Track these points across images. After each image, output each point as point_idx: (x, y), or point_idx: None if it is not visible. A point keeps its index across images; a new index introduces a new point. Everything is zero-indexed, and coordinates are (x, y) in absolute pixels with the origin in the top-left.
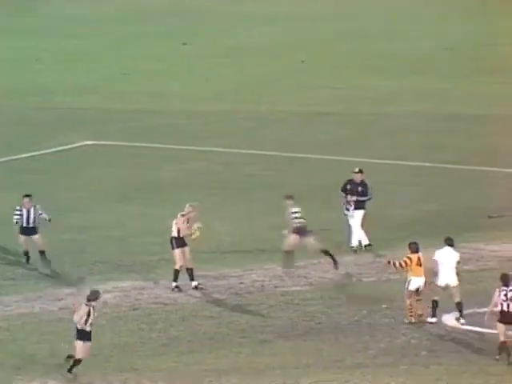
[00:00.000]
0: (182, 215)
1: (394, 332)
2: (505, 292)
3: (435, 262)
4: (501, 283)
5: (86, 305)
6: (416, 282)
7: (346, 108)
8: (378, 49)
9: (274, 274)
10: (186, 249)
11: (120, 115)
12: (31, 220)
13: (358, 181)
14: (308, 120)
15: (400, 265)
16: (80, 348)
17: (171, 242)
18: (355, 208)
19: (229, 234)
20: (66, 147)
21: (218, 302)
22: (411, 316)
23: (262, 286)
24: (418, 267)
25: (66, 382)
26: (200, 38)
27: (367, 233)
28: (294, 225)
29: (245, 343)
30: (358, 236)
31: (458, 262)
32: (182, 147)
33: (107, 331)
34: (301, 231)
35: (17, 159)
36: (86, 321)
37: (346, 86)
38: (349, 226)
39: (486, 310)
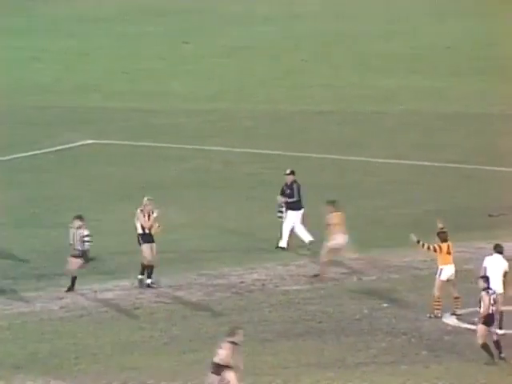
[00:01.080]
0: (141, 210)
1: (394, 331)
2: (493, 296)
3: (483, 268)
4: (485, 285)
5: None
6: (448, 270)
7: (345, 107)
8: (377, 48)
9: (275, 272)
10: (153, 245)
11: (121, 114)
12: None
13: (289, 182)
14: (308, 119)
15: (429, 248)
16: None
17: (138, 239)
18: (287, 209)
19: (229, 232)
20: (66, 146)
21: (218, 301)
22: (438, 309)
23: (263, 284)
24: (448, 255)
25: (69, 380)
26: (200, 37)
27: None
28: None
29: (245, 342)
30: (286, 237)
31: (506, 272)
32: (183, 146)
33: (108, 330)
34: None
35: (18, 158)
36: None
37: (346, 85)
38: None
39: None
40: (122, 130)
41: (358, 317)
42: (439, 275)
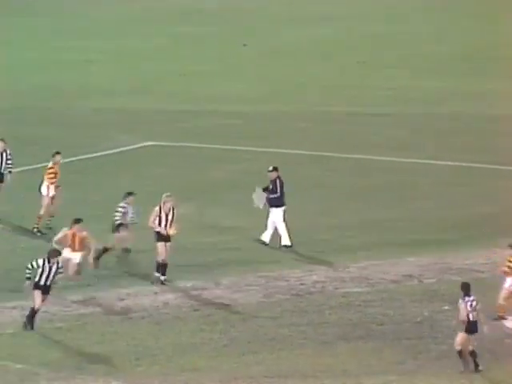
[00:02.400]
0: (160, 207)
1: (455, 334)
2: (470, 303)
3: None
4: (462, 293)
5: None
6: None
7: (397, 109)
8: (428, 49)
9: (334, 275)
10: (168, 244)
11: (176, 116)
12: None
13: (272, 179)
14: (360, 121)
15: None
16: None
17: (155, 236)
18: (270, 206)
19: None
20: (125, 148)
21: (278, 303)
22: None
23: (323, 287)
24: None
25: (129, 381)
26: (254, 39)
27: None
28: None
29: (306, 344)
30: (269, 233)
31: None
32: (235, 148)
33: (168, 331)
34: None
35: (77, 160)
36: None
37: (397, 87)
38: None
39: None
40: (179, 131)
41: (418, 319)
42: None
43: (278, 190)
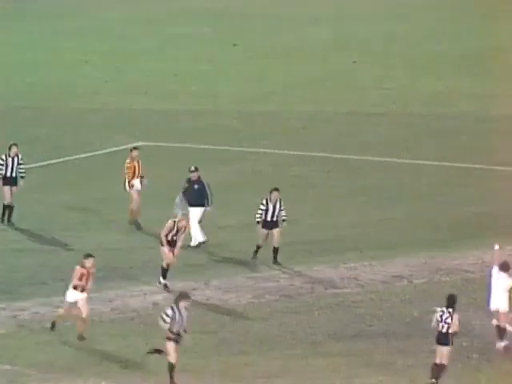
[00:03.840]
0: (174, 222)
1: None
2: (443, 314)
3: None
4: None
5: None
6: None
7: (394, 109)
8: (426, 49)
9: (324, 275)
10: (175, 249)
11: (170, 116)
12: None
13: (195, 179)
14: (357, 121)
15: None
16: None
17: (160, 241)
18: (191, 205)
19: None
20: (118, 148)
21: (268, 304)
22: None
23: (312, 287)
24: None
25: (119, 382)
26: (250, 39)
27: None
28: None
29: (295, 345)
30: (196, 233)
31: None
32: (232, 148)
33: (158, 332)
34: None
35: (70, 160)
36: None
37: (396, 87)
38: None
39: None
40: (170, 132)
41: (408, 320)
42: None
43: (206, 192)
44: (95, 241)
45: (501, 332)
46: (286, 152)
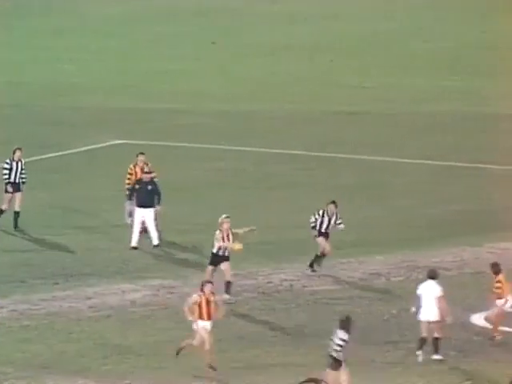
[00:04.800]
0: (220, 230)
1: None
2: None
3: (418, 296)
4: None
5: None
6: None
7: (376, 107)
8: (409, 48)
9: (303, 273)
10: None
11: (152, 114)
12: None
13: (148, 180)
14: (339, 119)
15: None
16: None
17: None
18: (140, 206)
19: (257, 232)
20: (96, 146)
21: (246, 301)
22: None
23: (291, 285)
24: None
25: (96, 380)
26: (231, 38)
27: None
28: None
29: (275, 342)
30: (154, 233)
31: (440, 297)
32: (212, 146)
33: (136, 330)
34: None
35: (47, 159)
36: None
37: (378, 86)
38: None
39: None
40: (153, 130)
41: (386, 317)
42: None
43: (158, 192)
44: (74, 239)
45: (436, 344)
46: (267, 150)
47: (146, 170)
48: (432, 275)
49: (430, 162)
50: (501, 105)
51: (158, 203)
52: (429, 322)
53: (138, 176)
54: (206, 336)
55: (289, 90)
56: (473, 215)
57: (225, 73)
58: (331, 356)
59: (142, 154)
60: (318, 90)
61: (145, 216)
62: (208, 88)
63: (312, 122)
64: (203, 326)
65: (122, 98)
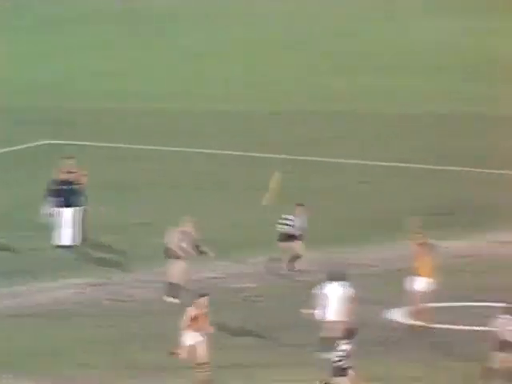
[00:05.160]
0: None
1: None
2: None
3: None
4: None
5: None
6: None
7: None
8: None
9: (227, 271)
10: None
11: (80, 114)
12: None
13: (71, 180)
14: (263, 118)
15: None
16: None
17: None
18: (68, 205)
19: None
20: (21, 147)
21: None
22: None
23: (215, 282)
24: None
25: (28, 379)
26: (165, 40)
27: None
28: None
29: None
30: (78, 233)
31: (349, 298)
32: (139, 146)
33: (65, 328)
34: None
35: None
36: None
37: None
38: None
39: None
40: (80, 130)
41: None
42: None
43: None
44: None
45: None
46: (193, 150)
47: (72, 171)
48: (334, 277)
49: (348, 160)
50: (434, 103)
51: (84, 204)
52: (332, 322)
53: (63, 177)
54: (203, 349)
55: (214, 90)
56: (399, 214)
57: (155, 72)
58: (336, 366)
59: (71, 157)
60: (243, 89)
61: (70, 215)
62: (141, 88)
63: (238, 120)
64: (200, 339)
65: (47, 98)
